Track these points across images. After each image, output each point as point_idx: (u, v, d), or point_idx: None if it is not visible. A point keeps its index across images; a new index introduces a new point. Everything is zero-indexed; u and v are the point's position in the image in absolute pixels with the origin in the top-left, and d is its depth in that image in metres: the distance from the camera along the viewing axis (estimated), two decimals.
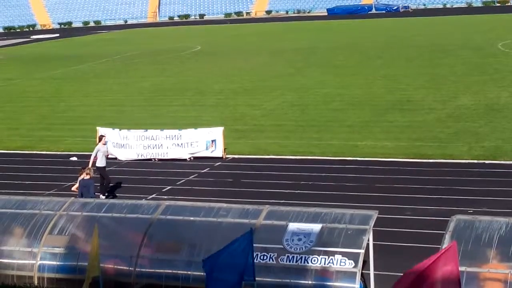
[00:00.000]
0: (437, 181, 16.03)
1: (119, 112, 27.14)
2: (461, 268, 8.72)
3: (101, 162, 15.97)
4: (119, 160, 19.38)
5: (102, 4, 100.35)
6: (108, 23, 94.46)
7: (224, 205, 10.99)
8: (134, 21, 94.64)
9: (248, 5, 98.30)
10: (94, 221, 10.21)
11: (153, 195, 15.91)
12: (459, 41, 45.36)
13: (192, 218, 10.50)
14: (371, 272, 10.15)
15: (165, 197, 15.47)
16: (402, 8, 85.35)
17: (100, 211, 10.89)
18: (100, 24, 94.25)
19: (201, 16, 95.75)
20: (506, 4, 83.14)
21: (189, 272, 9.93)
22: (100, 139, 16.72)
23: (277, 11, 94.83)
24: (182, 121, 23.64)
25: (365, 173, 17.03)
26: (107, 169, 16.32)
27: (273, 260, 9.84)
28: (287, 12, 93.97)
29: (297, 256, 9.80)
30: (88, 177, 14.11)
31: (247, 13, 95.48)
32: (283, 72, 36.07)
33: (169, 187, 16.66)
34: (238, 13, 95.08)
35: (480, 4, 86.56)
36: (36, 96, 32.45)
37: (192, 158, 19.12)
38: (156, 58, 46.34)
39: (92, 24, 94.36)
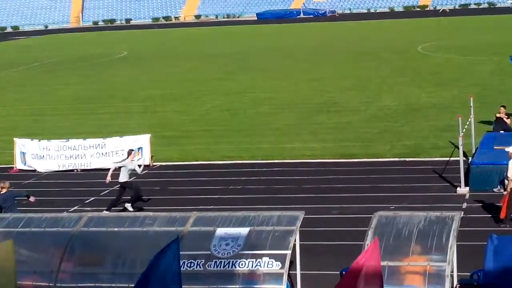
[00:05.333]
0: (362, 180, 16.49)
1: (39, 122, 26.27)
2: (383, 263, 8.96)
3: (123, 178, 15.10)
4: (38, 172, 18.72)
5: (20, 9, 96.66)
6: (27, 28, 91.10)
7: (150, 213, 10.82)
8: (56, 26, 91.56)
9: (176, 9, 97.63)
10: (11, 237, 9.80)
11: (75, 207, 15.48)
12: (382, 44, 46.86)
13: (116, 229, 10.28)
14: (298, 272, 10.29)
15: (88, 208, 15.09)
16: (329, 13, 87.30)
17: (17, 226, 10.50)
18: (18, 29, 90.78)
19: (128, 20, 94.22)
20: (425, 9, 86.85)
21: (113, 285, 9.70)
22: (129, 154, 15.65)
23: (207, 16, 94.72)
24: (107, 129, 23.11)
25: (293, 175, 17.28)
26: (129, 182, 15.21)
27: (200, 267, 9.77)
28: (216, 17, 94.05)
29: (224, 261, 9.78)
30: (4, 190, 13.35)
31: (176, 18, 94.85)
32: (213, 77, 36.06)
33: (92, 198, 16.26)
34: (167, 18, 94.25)
35: (401, 9, 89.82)
36: None
37: (117, 167, 18.63)
38: (79, 64, 45.17)
39: (9, 29, 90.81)
